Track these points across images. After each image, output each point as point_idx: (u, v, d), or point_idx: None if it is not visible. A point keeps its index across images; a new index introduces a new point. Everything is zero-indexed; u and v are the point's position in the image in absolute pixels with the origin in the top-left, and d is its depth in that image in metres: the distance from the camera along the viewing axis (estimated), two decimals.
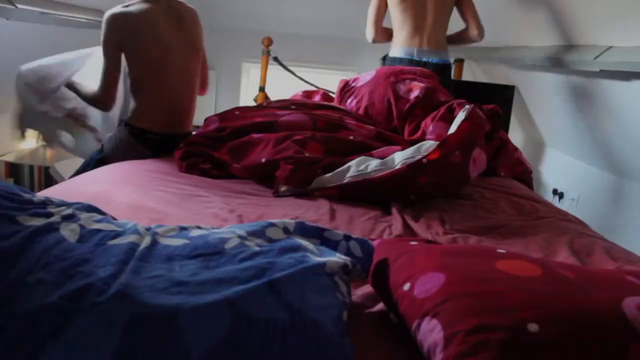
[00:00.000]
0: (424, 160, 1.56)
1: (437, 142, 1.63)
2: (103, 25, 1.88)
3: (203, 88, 2.27)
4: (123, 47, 1.91)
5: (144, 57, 1.94)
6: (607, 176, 2.55)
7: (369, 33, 2.73)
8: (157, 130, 2.02)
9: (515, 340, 0.66)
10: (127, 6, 1.93)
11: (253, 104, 3.19)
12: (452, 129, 1.77)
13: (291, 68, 3.44)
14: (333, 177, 1.61)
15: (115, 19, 1.88)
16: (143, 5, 1.93)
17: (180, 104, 2.07)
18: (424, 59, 2.60)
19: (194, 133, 2.01)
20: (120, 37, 1.89)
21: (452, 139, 1.62)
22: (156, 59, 1.95)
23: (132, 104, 2.03)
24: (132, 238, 0.85)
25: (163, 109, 2.02)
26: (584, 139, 2.63)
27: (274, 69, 3.45)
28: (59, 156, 2.91)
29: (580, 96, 2.43)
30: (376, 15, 2.69)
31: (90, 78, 2.04)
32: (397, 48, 2.67)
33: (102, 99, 1.95)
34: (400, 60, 2.63)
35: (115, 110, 2.16)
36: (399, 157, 1.62)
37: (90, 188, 1.43)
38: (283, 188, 1.61)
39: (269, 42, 3.33)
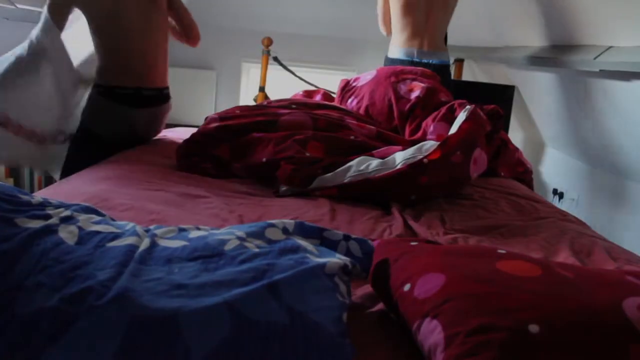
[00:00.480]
0: (425, 160, 1.56)
1: (438, 142, 1.63)
2: None
3: (188, 36, 2.20)
4: (76, 3, 1.88)
5: (97, 10, 1.92)
6: (607, 176, 2.54)
7: (382, 30, 2.82)
8: (125, 85, 2.00)
9: (515, 340, 0.66)
10: None
11: (253, 104, 3.19)
12: (453, 129, 1.76)
13: (291, 68, 3.44)
14: (333, 177, 1.61)
15: None
16: None
17: (142, 55, 2.04)
18: (424, 60, 2.60)
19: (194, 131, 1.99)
20: None
21: (453, 139, 1.62)
22: (108, 10, 1.93)
23: (97, 62, 2.00)
24: (131, 240, 0.85)
25: (125, 62, 2.00)
26: (584, 139, 2.62)
27: (274, 69, 3.45)
28: None
29: (581, 96, 2.42)
30: (384, 14, 2.76)
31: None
32: (397, 49, 2.68)
33: None
34: (400, 62, 2.63)
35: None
36: (400, 157, 1.62)
37: (89, 188, 1.43)
38: (283, 188, 1.61)
39: (269, 42, 3.32)
